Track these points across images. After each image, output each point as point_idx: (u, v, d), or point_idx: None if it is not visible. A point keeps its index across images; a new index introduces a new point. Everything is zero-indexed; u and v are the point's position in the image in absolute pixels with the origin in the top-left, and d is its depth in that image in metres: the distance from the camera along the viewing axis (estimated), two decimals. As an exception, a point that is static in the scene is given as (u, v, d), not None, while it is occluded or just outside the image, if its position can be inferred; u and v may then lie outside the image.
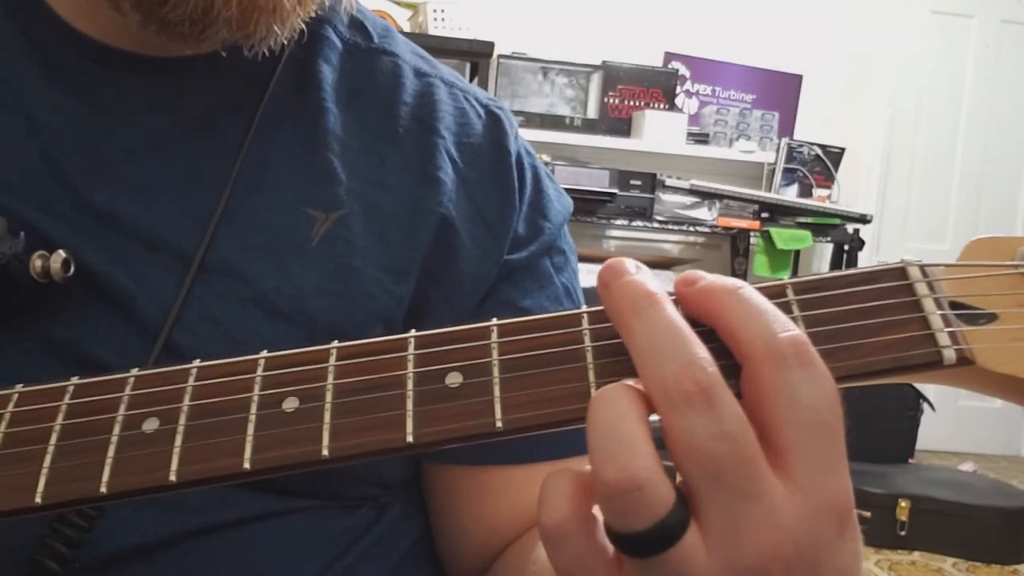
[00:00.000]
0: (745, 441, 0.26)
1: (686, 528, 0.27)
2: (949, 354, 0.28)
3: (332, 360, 0.32)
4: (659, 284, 0.29)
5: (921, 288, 0.29)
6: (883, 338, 0.29)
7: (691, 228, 2.92)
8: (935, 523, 2.34)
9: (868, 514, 2.35)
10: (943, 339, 0.28)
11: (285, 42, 0.47)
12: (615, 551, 0.28)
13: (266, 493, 0.47)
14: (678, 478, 0.28)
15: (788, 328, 0.27)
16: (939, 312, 0.29)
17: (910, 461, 2.70)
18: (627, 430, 0.27)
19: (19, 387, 0.33)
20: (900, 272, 0.30)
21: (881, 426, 2.65)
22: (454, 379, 0.31)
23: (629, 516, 0.26)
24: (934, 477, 2.56)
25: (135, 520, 0.44)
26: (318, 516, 0.49)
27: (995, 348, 0.28)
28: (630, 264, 0.30)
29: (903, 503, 2.35)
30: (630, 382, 0.28)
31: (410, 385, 0.31)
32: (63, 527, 0.41)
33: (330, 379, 0.31)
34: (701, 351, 0.27)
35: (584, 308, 0.32)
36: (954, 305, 0.29)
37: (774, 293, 0.31)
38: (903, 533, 2.35)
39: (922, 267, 0.30)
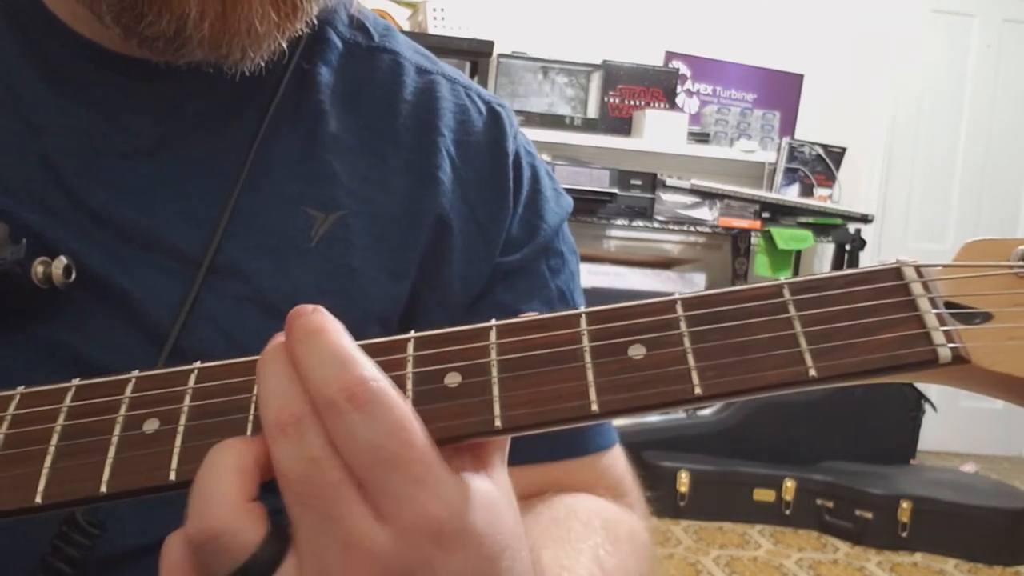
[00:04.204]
0: (329, 466, 0.29)
1: (277, 564, 0.29)
2: (944, 353, 0.28)
3: None
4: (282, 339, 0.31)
5: (916, 288, 0.30)
6: (878, 337, 0.29)
7: (692, 228, 2.92)
8: (937, 524, 2.34)
9: (870, 515, 2.36)
10: (938, 338, 0.28)
11: (263, 62, 0.47)
12: None
13: (268, 492, 0.47)
14: None
15: (341, 376, 0.29)
16: (934, 311, 0.29)
17: (911, 462, 2.70)
18: (211, 483, 0.29)
19: (20, 389, 0.33)
20: (895, 272, 0.30)
21: (882, 427, 2.66)
22: (453, 379, 0.31)
23: (211, 564, 0.29)
24: (936, 478, 2.56)
25: (137, 521, 0.44)
26: None
27: (991, 347, 0.28)
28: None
29: (904, 504, 2.35)
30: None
31: (409, 385, 0.31)
32: (65, 545, 0.41)
33: None
34: (295, 389, 0.29)
35: (582, 309, 0.32)
36: (950, 305, 0.29)
37: (770, 293, 0.31)
38: (904, 534, 2.35)
39: (917, 267, 0.30)
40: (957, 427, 3.38)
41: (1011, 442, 3.56)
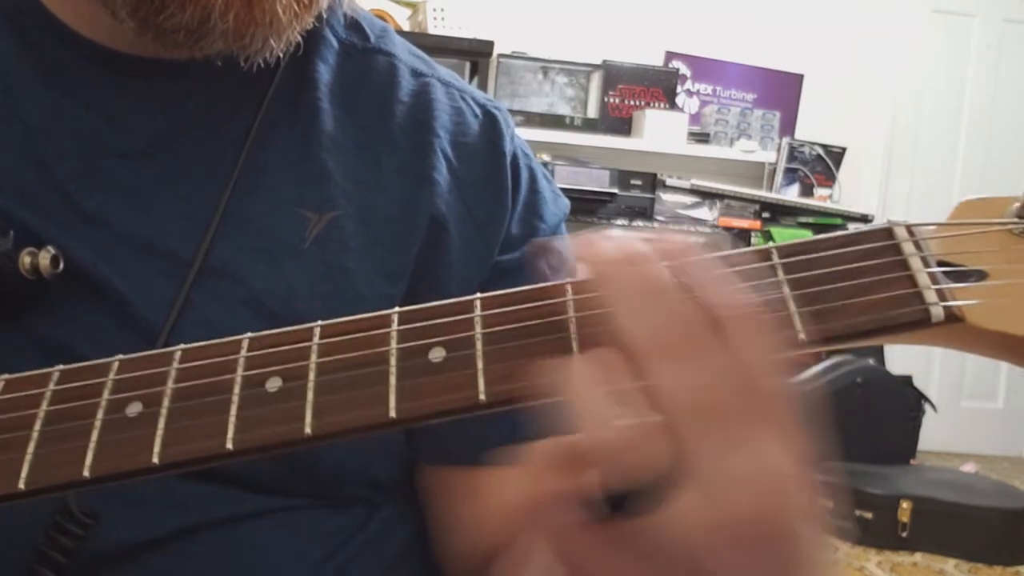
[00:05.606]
0: (734, 385, 0.27)
1: (682, 481, 0.27)
2: (937, 311, 0.28)
3: (316, 339, 0.32)
4: (639, 246, 0.29)
5: (908, 247, 0.29)
6: (870, 298, 0.29)
7: (692, 228, 2.92)
8: (937, 524, 2.33)
9: (870, 515, 2.35)
10: (931, 297, 0.28)
11: (280, 54, 0.47)
12: (602, 525, 0.28)
13: (258, 492, 0.47)
14: None
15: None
16: (926, 270, 0.29)
17: (912, 462, 2.70)
18: (605, 395, 0.27)
19: (5, 376, 0.33)
20: (886, 232, 0.30)
21: (883, 427, 2.65)
22: (437, 354, 0.31)
23: (633, 472, 0.27)
24: (936, 478, 2.55)
25: (126, 519, 0.44)
26: (309, 515, 0.49)
27: (985, 305, 0.28)
28: (607, 237, 0.30)
29: (904, 504, 2.34)
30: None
31: (393, 361, 0.31)
32: (59, 535, 0.41)
33: (313, 358, 0.31)
34: (682, 302, 0.28)
35: (568, 279, 0.31)
36: (943, 264, 0.29)
37: (759, 258, 0.30)
38: (904, 534, 2.34)
39: (908, 227, 0.30)
40: (957, 427, 3.37)
41: (1011, 442, 3.56)
